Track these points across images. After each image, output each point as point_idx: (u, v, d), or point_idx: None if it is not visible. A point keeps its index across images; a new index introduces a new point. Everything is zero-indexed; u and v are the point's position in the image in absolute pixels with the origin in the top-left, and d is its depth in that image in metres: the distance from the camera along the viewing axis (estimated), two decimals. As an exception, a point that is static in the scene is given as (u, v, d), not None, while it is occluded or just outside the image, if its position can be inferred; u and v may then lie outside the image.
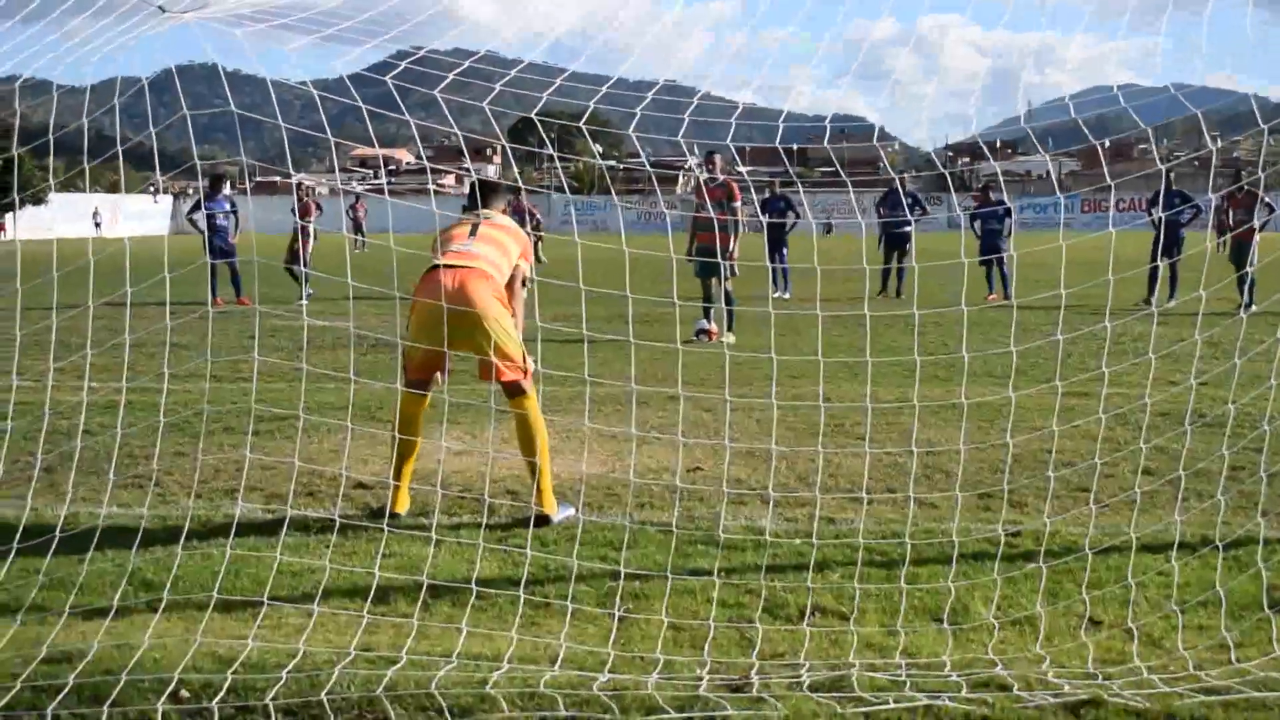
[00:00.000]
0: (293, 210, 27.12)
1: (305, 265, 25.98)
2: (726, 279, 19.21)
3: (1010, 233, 27.68)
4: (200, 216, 26.28)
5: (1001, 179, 34.52)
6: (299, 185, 28.70)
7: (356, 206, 48.62)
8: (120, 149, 6.99)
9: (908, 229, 27.95)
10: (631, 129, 6.66)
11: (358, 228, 46.83)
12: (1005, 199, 27.62)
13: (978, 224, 27.21)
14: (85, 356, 6.96)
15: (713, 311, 19.06)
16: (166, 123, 6.86)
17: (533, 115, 6.67)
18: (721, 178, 19.67)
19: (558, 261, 32.92)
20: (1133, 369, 12.77)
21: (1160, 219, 23.58)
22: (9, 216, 71.79)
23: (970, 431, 10.67)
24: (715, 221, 18.02)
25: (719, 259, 17.68)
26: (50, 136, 6.87)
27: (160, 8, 6.31)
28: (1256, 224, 23.48)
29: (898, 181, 27.88)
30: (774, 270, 26.75)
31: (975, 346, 7.50)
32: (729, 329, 19.21)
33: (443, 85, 6.38)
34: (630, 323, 7.23)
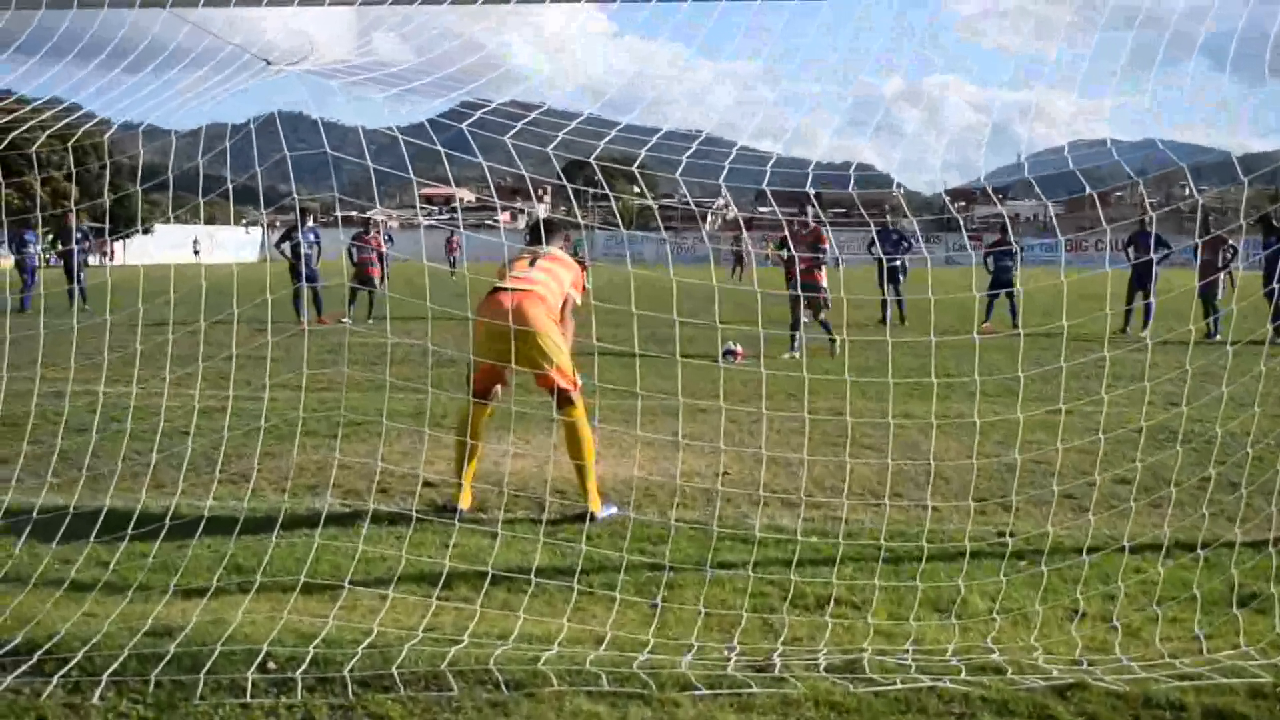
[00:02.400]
0: (354, 239, 27.46)
1: (375, 288, 26.17)
2: (822, 310, 20.41)
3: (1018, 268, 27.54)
4: (288, 246, 26.42)
5: (1007, 222, 34.42)
6: (368, 220, 28.98)
7: (451, 240, 49.01)
8: (229, 185, 7.05)
9: (897, 263, 27.88)
10: (678, 173, 6.67)
11: (453, 260, 47.40)
12: (1015, 239, 27.48)
13: (990, 260, 27.00)
14: (195, 368, 6.99)
15: (798, 335, 19.59)
16: (265, 165, 6.90)
17: (591, 160, 6.67)
18: (812, 224, 20.48)
19: (600, 288, 32.94)
20: (1110, 390, 12.68)
21: (1136, 259, 23.59)
22: (120, 244, 72.36)
23: (967, 444, 10.62)
24: (808, 259, 19.62)
25: (817, 293, 19.70)
26: (170, 175, 6.93)
27: (267, 61, 6.37)
28: (1220, 264, 23.50)
29: (889, 221, 27.95)
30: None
31: (973, 370, 7.49)
32: (832, 351, 19.86)
33: (512, 133, 6.41)
34: (678, 343, 7.21)
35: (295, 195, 8.67)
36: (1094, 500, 8.57)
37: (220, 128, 7.64)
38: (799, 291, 19.32)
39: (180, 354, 10.05)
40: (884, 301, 26.00)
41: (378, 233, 28.90)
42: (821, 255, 21.14)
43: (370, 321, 25.99)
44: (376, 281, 27.26)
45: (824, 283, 20.46)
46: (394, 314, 24.02)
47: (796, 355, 19.44)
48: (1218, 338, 20.84)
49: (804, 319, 19.88)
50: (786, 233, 20.38)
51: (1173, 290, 23.53)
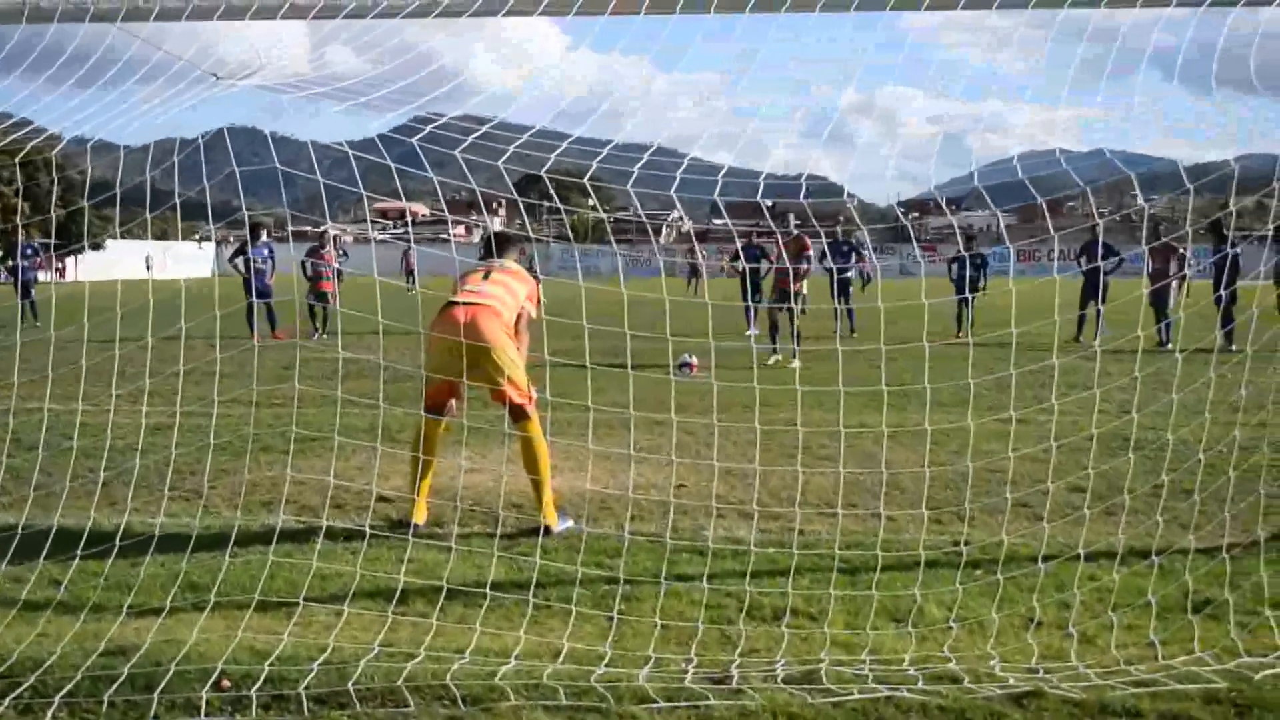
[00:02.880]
0: (308, 254, 27.37)
1: (329, 303, 26.11)
2: (797, 315, 20.86)
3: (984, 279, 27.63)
4: (241, 261, 26.34)
5: (958, 233, 34.61)
6: (322, 234, 28.86)
7: (408, 254, 48.58)
8: (177, 200, 7.01)
9: (849, 274, 28.01)
10: (630, 185, 6.67)
11: (410, 273, 47.02)
12: (982, 250, 27.72)
13: (955, 267, 27.09)
14: (143, 384, 6.94)
15: (778, 339, 20.85)
16: (216, 179, 6.87)
17: (542, 173, 6.68)
18: (795, 232, 21.18)
19: (556, 301, 32.96)
20: (1066, 400, 12.77)
21: (1088, 267, 23.73)
22: (71, 260, 71.82)
23: (921, 453, 10.66)
24: (789, 269, 20.58)
25: (792, 300, 20.34)
26: (119, 189, 6.88)
27: (216, 75, 6.33)
28: (1173, 272, 23.72)
29: (838, 233, 28.18)
30: (752, 310, 26.95)
31: (930, 379, 7.52)
32: (795, 356, 20.25)
33: (463, 147, 6.40)
34: (629, 357, 7.22)
35: (245, 210, 8.60)
36: (1048, 508, 8.62)
37: (171, 142, 7.59)
38: (780, 302, 20.15)
39: (131, 370, 9.97)
40: (835, 312, 26.12)
41: (331, 248, 28.80)
42: (805, 265, 21.68)
43: (325, 336, 25.86)
44: (330, 297, 27.19)
45: (804, 290, 21.11)
46: (350, 329, 23.93)
47: (779, 360, 19.94)
48: (1169, 346, 21.06)
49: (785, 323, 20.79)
50: (780, 241, 21.14)
51: (1124, 299, 23.71)
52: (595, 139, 7.41)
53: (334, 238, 29.29)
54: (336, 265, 27.75)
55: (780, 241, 21.85)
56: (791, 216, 21.81)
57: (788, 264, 20.96)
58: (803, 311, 21.18)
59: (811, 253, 22.40)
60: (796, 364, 19.88)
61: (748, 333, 26.34)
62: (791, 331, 20.32)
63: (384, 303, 7.13)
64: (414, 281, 44.10)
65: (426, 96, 7.06)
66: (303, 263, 27.43)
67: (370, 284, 7.80)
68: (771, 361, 20.04)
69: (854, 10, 6.86)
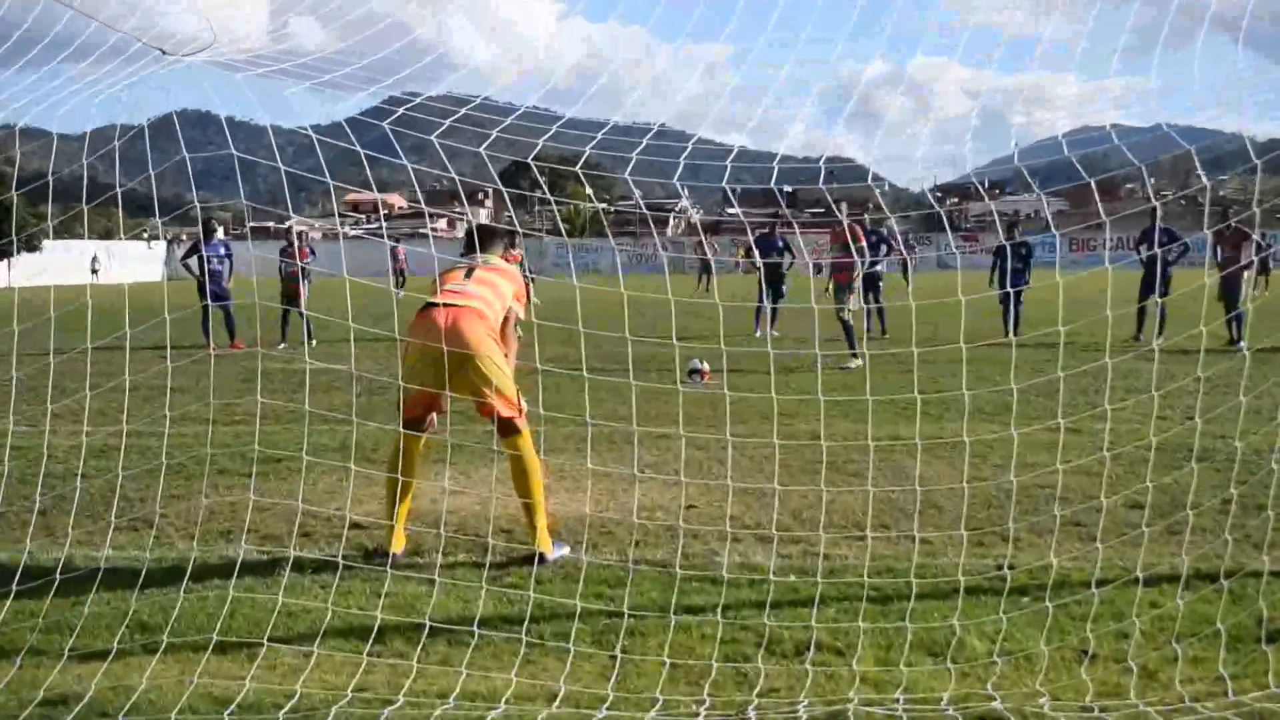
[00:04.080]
0: (281, 254, 27.20)
1: (303, 310, 26.08)
2: (850, 310, 21.31)
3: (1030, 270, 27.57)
4: (194, 261, 26.29)
5: (998, 220, 34.53)
6: (289, 231, 28.74)
7: (397, 252, 48.38)
8: (119, 193, 7.01)
9: (878, 269, 27.94)
10: (628, 172, 6.69)
11: (400, 272, 46.99)
12: (1028, 238, 27.76)
13: (997, 260, 27.02)
14: (84, 400, 6.96)
15: (854, 335, 21.06)
16: (162, 168, 6.88)
17: (529, 160, 6.68)
18: (846, 221, 21.39)
19: (551, 303, 32.99)
20: (1123, 406, 12.79)
21: (1148, 257, 23.61)
22: (3, 263, 71.87)
23: (962, 468, 10.67)
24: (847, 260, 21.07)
25: (848, 292, 21.08)
26: (50, 180, 6.89)
27: (162, 50, 6.34)
28: (1243, 261, 23.62)
29: (865, 223, 28.22)
30: (769, 310, 26.95)
31: (968, 385, 7.52)
32: (854, 357, 20.57)
33: (439, 131, 6.41)
34: (631, 364, 7.23)
35: (198, 204, 8.59)
36: (1102, 527, 8.62)
37: (112, 129, 7.60)
38: (841, 300, 21.21)
39: (71, 385, 9.99)
40: (865, 312, 26.15)
41: (303, 244, 28.76)
42: (858, 257, 21.97)
43: (314, 345, 25.80)
44: (300, 300, 27.22)
45: (858, 284, 21.75)
46: (328, 337, 23.99)
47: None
48: (1242, 345, 20.90)
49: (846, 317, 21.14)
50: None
51: (1189, 290, 23.68)
52: (591, 120, 7.41)
53: (300, 234, 29.16)
54: (303, 265, 27.69)
55: (834, 231, 22.37)
56: (844, 205, 22.12)
57: (834, 258, 21.43)
58: (850, 310, 21.41)
59: (864, 244, 22.60)
60: (856, 364, 20.12)
61: (755, 334, 26.39)
62: (862, 328, 20.87)
63: (367, 306, 7.14)
64: (404, 283, 44.12)
65: (400, 74, 7.07)
66: (280, 264, 27.29)
67: (352, 287, 7.80)
68: (854, 366, 20.08)
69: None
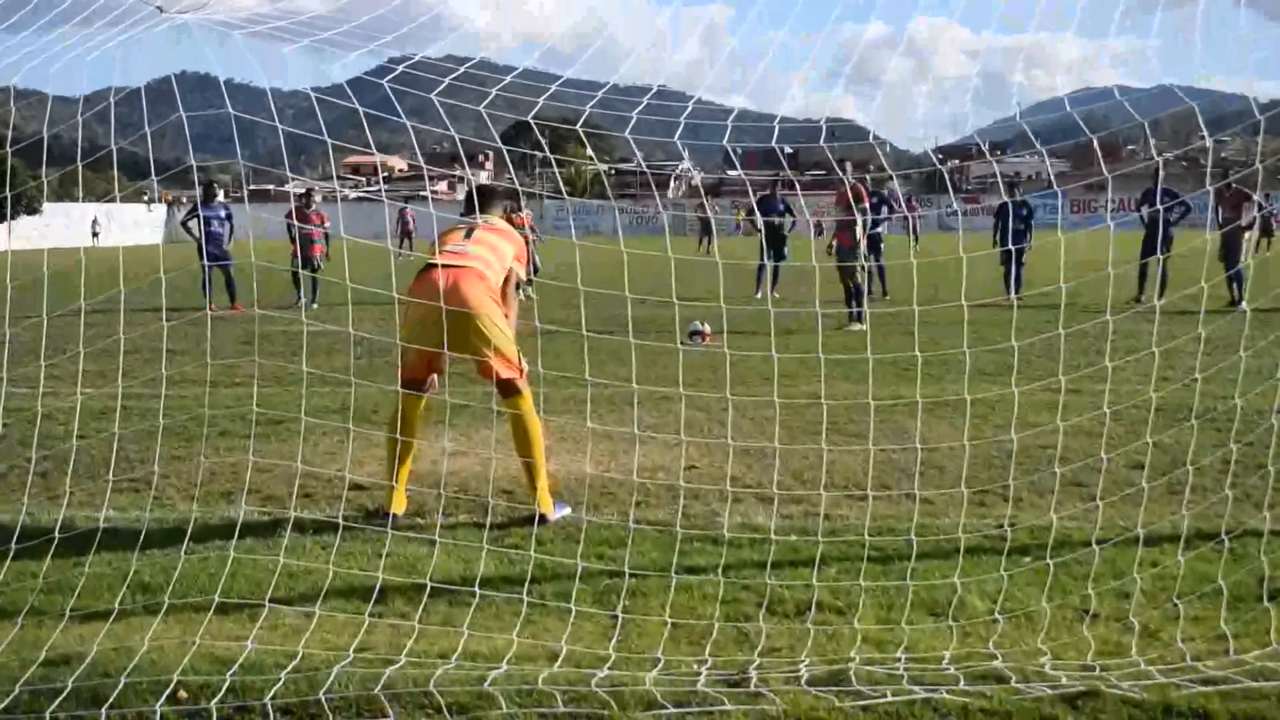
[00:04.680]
0: (288, 216, 27.10)
1: (316, 270, 26.00)
2: (858, 273, 21.50)
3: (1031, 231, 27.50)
4: (194, 223, 26.26)
5: (1000, 180, 34.50)
6: (307, 194, 28.61)
7: (405, 214, 48.28)
8: (115, 155, 6.98)
9: (878, 230, 27.83)
10: (628, 131, 6.65)
11: (408, 235, 47.10)
12: (1028, 198, 27.74)
13: (998, 221, 27.04)
14: (78, 360, 6.94)
15: (862, 299, 21.16)
16: (159, 126, 6.84)
17: (529, 119, 6.64)
18: (851, 180, 21.49)
19: (551, 266, 33.01)
20: (1124, 365, 12.79)
21: (1149, 217, 23.58)
22: (3, 226, 71.80)
23: (962, 428, 10.67)
24: (850, 220, 21.13)
25: (855, 253, 21.13)
26: (44, 139, 6.85)
27: (158, 8, 6.29)
28: (1244, 222, 23.65)
29: (867, 183, 28.17)
30: (771, 270, 26.95)
31: (969, 346, 7.52)
32: (857, 319, 20.72)
33: (438, 90, 6.37)
34: (630, 325, 7.21)
35: (196, 166, 8.55)
36: (1103, 486, 8.62)
37: (109, 91, 7.56)
38: (842, 259, 21.25)
39: (71, 349, 9.97)
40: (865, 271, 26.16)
41: (320, 207, 28.62)
42: (861, 216, 21.99)
43: (315, 307, 25.77)
44: (319, 261, 27.20)
45: (863, 247, 21.87)
46: (339, 300, 23.92)
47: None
48: (1243, 305, 20.97)
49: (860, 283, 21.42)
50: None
51: (1190, 251, 23.65)
52: (590, 81, 7.37)
53: (313, 197, 28.94)
54: (326, 228, 27.67)
55: (839, 192, 22.58)
56: (849, 164, 22.19)
57: (836, 218, 21.57)
58: (863, 268, 21.58)
59: (867, 204, 22.58)
60: (859, 327, 20.17)
61: (755, 295, 26.36)
62: (865, 290, 21.41)
63: (371, 268, 7.11)
64: (411, 245, 44.18)
65: (396, 33, 7.02)
66: (288, 224, 27.13)
67: (355, 248, 7.77)
68: (856, 329, 20.10)
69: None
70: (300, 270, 25.67)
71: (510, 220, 9.45)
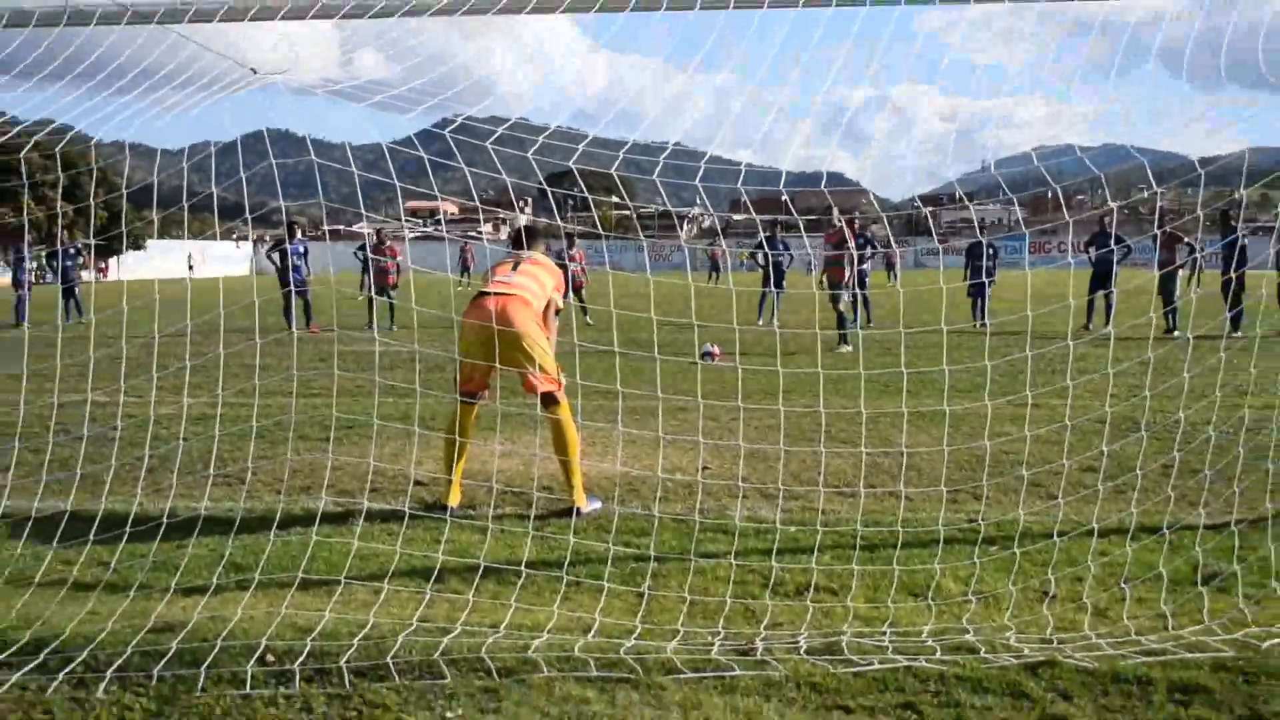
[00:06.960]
0: (359, 250, 27.28)
1: (391, 298, 26.12)
2: (841, 302, 21.35)
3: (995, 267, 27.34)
4: (278, 255, 26.48)
5: (977, 224, 34.56)
6: (380, 231, 28.86)
7: (466, 249, 48.58)
8: (215, 199, 7.04)
9: (864, 266, 27.78)
10: (656, 175, 6.67)
11: (465, 268, 47.75)
12: (994, 241, 27.71)
13: (969, 257, 26.93)
14: (183, 373, 6.98)
15: (848, 325, 21.08)
16: (251, 172, 6.89)
17: (571, 165, 6.66)
18: (840, 223, 21.70)
19: (590, 296, 33.11)
20: (1079, 383, 12.76)
21: (1097, 256, 23.65)
22: (115, 260, 72.18)
23: (940, 437, 10.65)
24: (840, 257, 21.16)
25: (842, 287, 21.10)
26: (154, 185, 6.90)
27: (253, 69, 6.35)
28: (1179, 260, 23.80)
29: (856, 224, 28.14)
30: (774, 296, 27.01)
31: (941, 365, 7.56)
32: (844, 342, 20.75)
33: (493, 138, 6.40)
34: (656, 345, 7.23)
35: (284, 206, 8.61)
36: (1062, 487, 8.61)
37: (207, 145, 7.61)
38: (831, 289, 21.44)
39: (174, 364, 10.03)
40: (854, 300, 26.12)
41: (393, 242, 28.80)
42: (848, 252, 22.00)
43: (393, 329, 25.84)
44: (392, 290, 27.38)
45: (847, 279, 21.58)
46: (405, 323, 23.96)
47: (849, 348, 20.14)
48: (1176, 333, 21.20)
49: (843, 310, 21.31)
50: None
51: (1131, 287, 23.64)
52: (613, 139, 7.39)
53: (385, 235, 29.12)
54: (399, 260, 27.91)
55: (827, 234, 22.63)
56: (836, 211, 22.38)
57: (828, 255, 21.70)
58: (851, 299, 21.64)
59: (853, 243, 22.62)
60: (846, 349, 20.19)
61: (759, 323, 26.34)
62: (852, 317, 21.31)
63: (432, 299, 7.15)
64: (469, 276, 44.65)
65: (447, 93, 7.05)
66: (363, 258, 27.34)
67: (420, 281, 7.79)
68: (844, 351, 20.17)
69: (869, 5, 6.76)
70: (374, 295, 25.85)
71: (572, 257, 9.50)
